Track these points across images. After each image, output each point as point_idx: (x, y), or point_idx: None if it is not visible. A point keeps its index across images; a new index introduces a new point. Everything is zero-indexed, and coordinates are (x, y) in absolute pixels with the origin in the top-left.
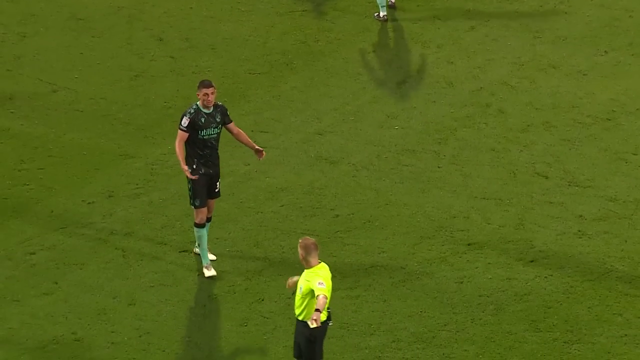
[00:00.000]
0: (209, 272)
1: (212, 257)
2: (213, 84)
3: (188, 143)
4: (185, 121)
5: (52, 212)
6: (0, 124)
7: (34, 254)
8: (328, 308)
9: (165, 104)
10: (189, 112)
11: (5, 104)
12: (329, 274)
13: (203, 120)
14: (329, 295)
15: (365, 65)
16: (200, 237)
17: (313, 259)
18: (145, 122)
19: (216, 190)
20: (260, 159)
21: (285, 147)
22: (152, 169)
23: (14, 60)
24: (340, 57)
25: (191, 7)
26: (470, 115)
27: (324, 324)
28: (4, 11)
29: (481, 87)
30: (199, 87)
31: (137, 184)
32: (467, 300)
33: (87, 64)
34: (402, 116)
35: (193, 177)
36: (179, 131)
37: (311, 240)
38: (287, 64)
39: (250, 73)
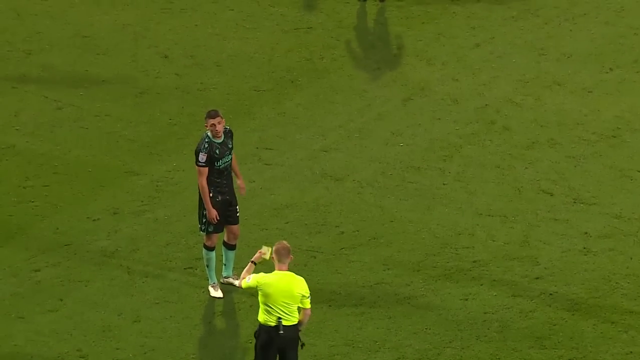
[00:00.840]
0: (215, 293)
1: (219, 294)
2: (219, 113)
3: None
4: (202, 157)
5: (57, 229)
6: (5, 141)
7: (39, 270)
8: (279, 318)
9: (170, 121)
10: (204, 147)
11: (10, 121)
12: (276, 282)
13: (218, 152)
14: (244, 285)
15: (370, 83)
16: (208, 260)
17: (279, 265)
18: (150, 139)
19: (237, 214)
20: (241, 193)
21: (290, 164)
22: (157, 186)
23: (20, 77)
24: (345, 74)
25: (196, 25)
26: (475, 133)
27: (271, 329)
28: (9, 28)
29: (486, 104)
30: (205, 118)
31: (142, 201)
32: (472, 318)
33: (92, 81)
34: (407, 133)
35: (214, 222)
36: (199, 168)
37: (285, 245)
38: (292, 81)
39: (255, 90)
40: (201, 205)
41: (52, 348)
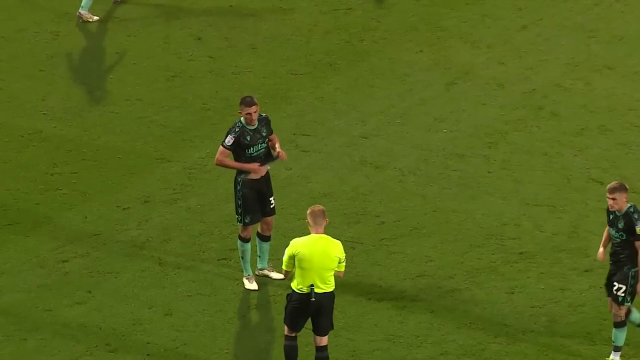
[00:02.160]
0: (250, 285)
1: (254, 286)
2: (255, 101)
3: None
4: (229, 140)
5: (86, 218)
6: (32, 126)
7: (66, 261)
8: (311, 285)
9: (203, 105)
10: (234, 131)
11: (38, 105)
12: (312, 244)
13: (249, 139)
14: (283, 266)
15: (412, 66)
16: (244, 251)
17: (315, 228)
18: (183, 125)
19: (271, 206)
20: (282, 156)
21: (328, 151)
22: (189, 174)
23: (47, 60)
24: (386, 57)
25: (231, 5)
26: (522, 118)
27: (303, 295)
28: (37, 9)
29: (533, 89)
30: (240, 105)
31: (174, 189)
32: (518, 312)
33: (123, 64)
34: (450, 119)
35: (258, 168)
36: (221, 147)
37: (319, 207)
38: (331, 65)
39: (292, 74)
40: (237, 196)
41: (81, 342)
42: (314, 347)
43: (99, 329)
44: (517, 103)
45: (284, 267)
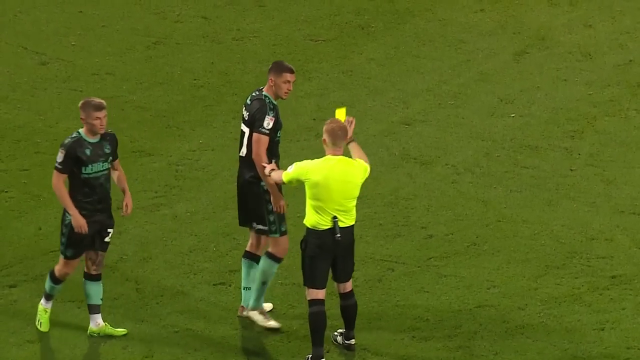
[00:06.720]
0: (268, 322)
1: (268, 305)
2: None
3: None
4: (269, 122)
5: (40, 229)
6: None
7: (14, 286)
8: (334, 217)
9: (195, 81)
10: (269, 109)
11: None
12: (329, 168)
13: (280, 121)
14: (284, 177)
15: (469, 30)
16: (268, 275)
17: (333, 149)
18: (168, 107)
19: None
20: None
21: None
22: (176, 171)
23: None
24: (436, 18)
25: None
26: (616, 99)
27: (324, 233)
28: None
29: (630, 60)
30: (277, 71)
31: (155, 192)
32: (611, 354)
33: (88, 27)
34: (520, 100)
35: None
36: (260, 137)
37: (341, 124)
38: (363, 28)
39: (311, 39)
40: (259, 195)
41: None
42: (338, 295)
43: None
44: (609, 79)
45: (285, 178)
